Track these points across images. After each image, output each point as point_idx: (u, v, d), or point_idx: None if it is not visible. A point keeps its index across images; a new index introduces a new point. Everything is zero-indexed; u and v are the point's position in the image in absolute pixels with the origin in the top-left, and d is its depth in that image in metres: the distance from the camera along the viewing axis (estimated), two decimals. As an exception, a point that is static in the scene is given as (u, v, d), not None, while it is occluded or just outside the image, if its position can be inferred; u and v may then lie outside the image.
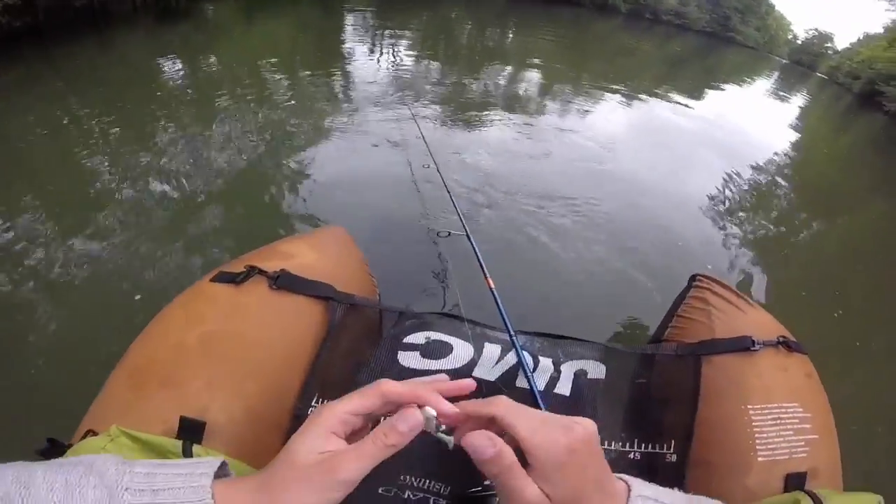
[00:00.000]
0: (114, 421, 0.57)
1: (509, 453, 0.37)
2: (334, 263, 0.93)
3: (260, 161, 2.45)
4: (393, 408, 0.40)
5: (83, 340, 1.43)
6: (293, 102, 3.18)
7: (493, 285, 1.02)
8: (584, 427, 0.38)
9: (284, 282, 0.80)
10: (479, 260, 1.11)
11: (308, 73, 3.78)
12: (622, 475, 0.41)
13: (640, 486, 0.40)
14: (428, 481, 0.73)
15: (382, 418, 0.40)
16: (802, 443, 0.75)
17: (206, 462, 0.38)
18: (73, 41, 3.41)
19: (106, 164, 2.26)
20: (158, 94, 3.03)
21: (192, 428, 0.59)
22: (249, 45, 4.18)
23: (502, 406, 0.39)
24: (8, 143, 2.32)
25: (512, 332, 0.86)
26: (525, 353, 0.85)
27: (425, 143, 1.92)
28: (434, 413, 0.40)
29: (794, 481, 0.72)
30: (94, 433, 0.56)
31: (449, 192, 1.52)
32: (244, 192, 2.21)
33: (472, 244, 1.20)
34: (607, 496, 0.38)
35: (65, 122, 2.59)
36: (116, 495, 0.33)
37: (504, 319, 0.89)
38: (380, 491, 0.71)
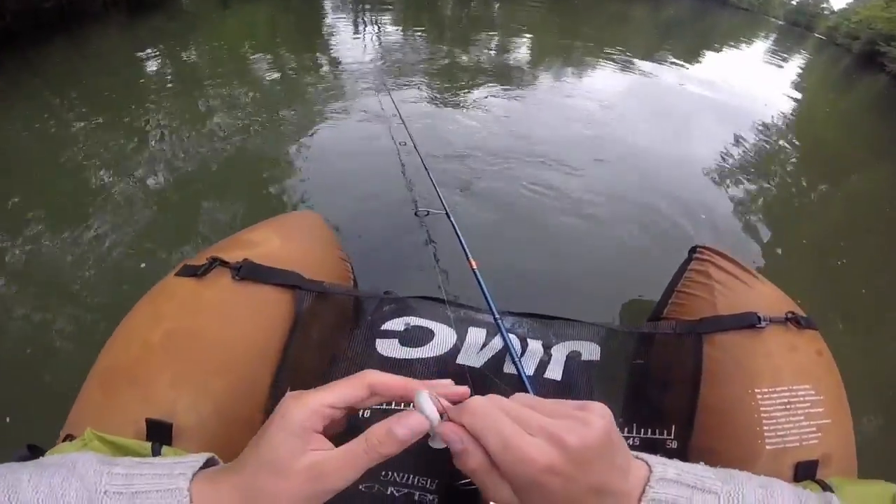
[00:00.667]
0: (88, 424, 0.56)
1: (477, 456, 0.34)
2: (303, 249, 0.87)
3: (241, 147, 2.36)
4: (378, 400, 0.38)
5: (69, 339, 1.38)
6: (274, 87, 3.10)
7: (475, 266, 0.95)
8: (582, 438, 0.32)
9: (247, 272, 0.75)
10: (459, 239, 1.05)
11: (289, 55, 3.68)
12: (643, 456, 0.37)
13: (662, 466, 0.35)
14: (412, 476, 0.69)
15: (360, 413, 0.38)
16: (814, 428, 0.69)
17: (185, 462, 0.37)
18: (48, 43, 3.35)
19: (93, 161, 2.20)
20: (138, 87, 2.95)
21: (159, 429, 0.58)
22: (227, 31, 4.07)
23: (469, 414, 0.35)
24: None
25: (496, 315, 0.80)
26: (512, 337, 0.79)
27: (401, 119, 1.82)
28: (433, 416, 0.36)
29: (805, 470, 0.66)
30: (72, 437, 0.56)
31: (426, 168, 1.44)
32: (226, 178, 2.13)
33: (451, 223, 1.13)
34: (609, 496, 0.34)
35: (50, 122, 2.52)
36: (95, 499, 0.33)
37: (488, 301, 0.83)
38: (361, 488, 0.68)
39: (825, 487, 0.62)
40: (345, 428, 0.40)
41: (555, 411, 0.35)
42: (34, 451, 0.52)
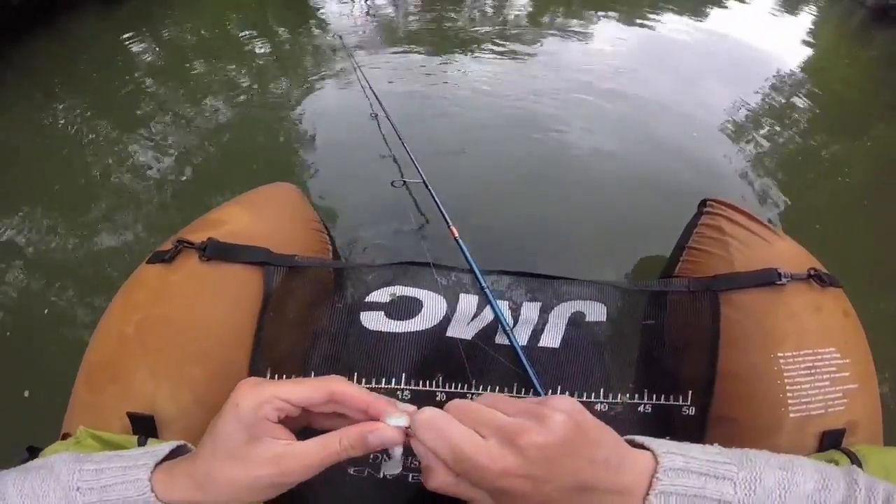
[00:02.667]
0: (80, 422, 0.57)
1: (439, 473, 0.33)
2: (274, 223, 0.82)
3: (228, 123, 2.29)
4: (335, 409, 0.37)
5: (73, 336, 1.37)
6: (257, 61, 2.98)
7: (456, 234, 0.90)
8: (536, 436, 0.31)
9: (213, 251, 0.71)
10: (438, 207, 0.99)
11: (273, 25, 3.54)
12: (649, 443, 0.35)
13: (670, 456, 0.33)
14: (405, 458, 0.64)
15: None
16: (840, 394, 0.64)
17: (150, 452, 0.38)
18: (26, 38, 3.21)
19: (90, 150, 2.14)
20: (123, 71, 2.85)
21: (142, 423, 0.59)
22: (210, 8, 3.93)
23: (419, 429, 0.34)
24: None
25: (483, 283, 0.73)
26: (505, 303, 0.73)
27: (372, 90, 1.75)
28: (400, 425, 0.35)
29: (831, 439, 0.61)
30: (68, 435, 0.57)
31: (399, 136, 1.37)
32: (218, 154, 2.08)
33: (429, 191, 1.06)
34: (601, 493, 0.32)
35: (39, 116, 2.44)
36: (71, 497, 0.34)
37: (473, 269, 0.76)
38: (351, 471, 0.65)
39: (851, 456, 0.57)
40: (301, 427, 0.39)
41: (514, 407, 0.34)
42: (33, 453, 0.53)
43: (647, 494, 0.31)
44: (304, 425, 0.39)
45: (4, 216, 1.76)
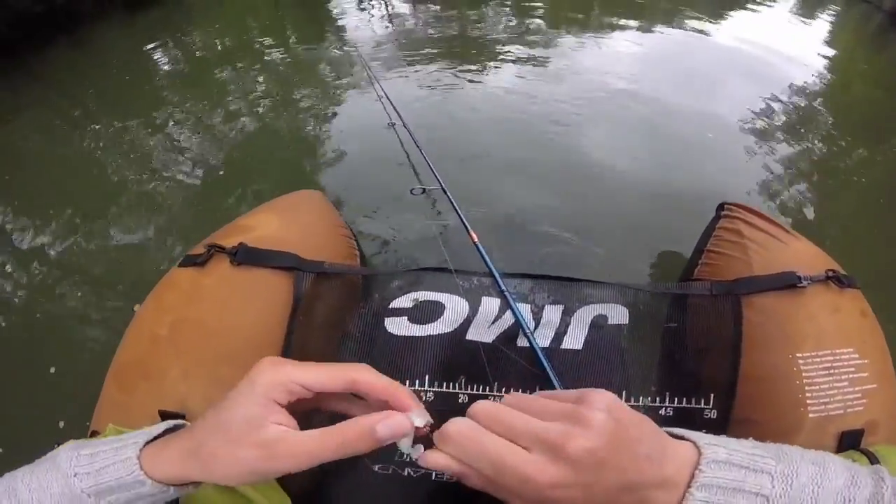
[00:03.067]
0: (109, 420, 0.58)
1: (477, 476, 0.32)
2: (303, 229, 0.85)
3: (251, 131, 2.33)
4: (356, 392, 0.36)
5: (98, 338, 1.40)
6: (277, 69, 3.02)
7: (476, 239, 0.91)
8: (583, 442, 0.30)
9: (244, 256, 0.74)
10: (457, 212, 1.01)
11: (291, 34, 3.59)
12: (689, 435, 0.34)
13: (713, 448, 0.32)
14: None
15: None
16: (859, 394, 0.64)
17: (143, 432, 0.38)
18: (47, 47, 3.28)
19: (112, 157, 2.18)
20: (144, 80, 2.91)
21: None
22: (230, 18, 3.98)
23: (450, 443, 0.33)
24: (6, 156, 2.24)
25: (502, 286, 0.75)
26: (527, 306, 0.74)
27: (389, 100, 1.76)
28: (415, 423, 0.34)
29: (850, 439, 0.62)
30: (97, 433, 0.58)
31: (417, 144, 1.39)
32: (242, 161, 2.11)
33: (448, 197, 1.08)
34: (646, 489, 0.31)
35: (60, 124, 2.50)
36: (70, 483, 0.35)
37: (492, 272, 0.77)
38: (376, 469, 0.66)
39: (870, 456, 0.58)
40: (310, 409, 0.38)
41: (547, 410, 0.33)
42: None
43: (689, 486, 0.30)
44: (314, 407, 0.38)
45: (33, 221, 1.81)
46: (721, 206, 0.94)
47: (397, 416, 0.33)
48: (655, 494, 0.31)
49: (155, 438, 0.37)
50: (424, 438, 0.35)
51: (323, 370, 0.35)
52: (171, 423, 0.40)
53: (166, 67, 3.12)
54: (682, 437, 0.34)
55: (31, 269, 1.63)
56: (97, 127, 2.42)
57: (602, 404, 0.31)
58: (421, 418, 0.34)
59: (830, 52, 3.59)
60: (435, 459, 0.33)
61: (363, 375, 0.35)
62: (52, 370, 1.32)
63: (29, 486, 0.35)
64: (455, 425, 0.33)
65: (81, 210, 1.87)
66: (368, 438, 0.32)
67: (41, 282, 1.59)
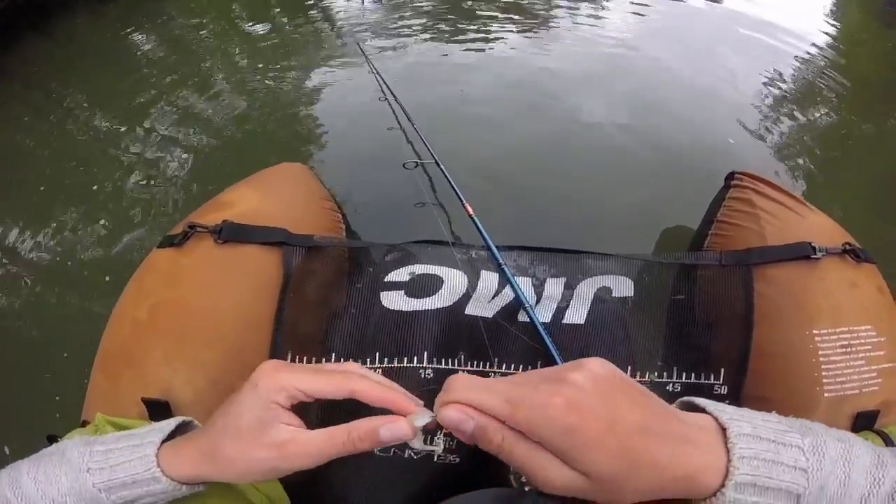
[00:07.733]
0: (98, 409, 0.57)
1: (494, 427, 0.30)
2: (287, 203, 0.81)
3: (237, 111, 2.25)
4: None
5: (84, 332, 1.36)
6: (262, 45, 2.90)
7: (471, 211, 0.88)
8: (583, 370, 0.30)
9: (229, 233, 0.70)
10: (451, 185, 0.98)
11: (275, 9, 3.49)
12: (704, 404, 0.33)
13: (737, 422, 0.30)
14: (429, 436, 0.65)
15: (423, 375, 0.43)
16: (874, 373, 0.62)
17: (155, 429, 0.39)
18: (16, 42, 3.11)
19: (92, 146, 2.12)
20: (120, 65, 2.80)
21: (157, 408, 0.59)
22: None
23: (457, 391, 0.32)
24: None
25: (500, 260, 0.72)
26: (527, 280, 0.71)
27: (379, 75, 1.71)
28: (425, 423, 0.35)
29: (864, 420, 0.59)
30: (87, 422, 0.58)
31: (409, 117, 1.35)
32: (228, 141, 2.06)
33: (441, 169, 1.04)
34: (683, 443, 0.29)
35: (38, 119, 2.40)
36: (81, 478, 0.36)
37: (489, 246, 0.74)
38: (377, 452, 0.64)
39: (885, 437, 0.56)
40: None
41: (525, 379, 0.33)
42: (52, 442, 0.53)
43: (729, 461, 0.29)
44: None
45: (25, 220, 1.76)
46: (731, 175, 0.90)
47: (400, 421, 0.34)
48: (683, 450, 0.29)
49: (169, 435, 0.40)
50: (433, 431, 0.36)
51: (321, 378, 0.36)
52: (180, 419, 0.42)
53: (143, 51, 3.01)
54: (696, 407, 0.33)
55: (7, 262, 1.61)
56: (76, 117, 2.36)
57: (598, 362, 0.31)
58: (423, 418, 0.35)
59: (838, 24, 3.50)
60: (450, 415, 0.32)
61: (360, 385, 0.36)
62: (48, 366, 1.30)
63: (35, 478, 0.36)
64: (458, 377, 0.33)
65: (63, 202, 1.83)
66: (373, 439, 0.34)
67: (27, 273, 1.57)
